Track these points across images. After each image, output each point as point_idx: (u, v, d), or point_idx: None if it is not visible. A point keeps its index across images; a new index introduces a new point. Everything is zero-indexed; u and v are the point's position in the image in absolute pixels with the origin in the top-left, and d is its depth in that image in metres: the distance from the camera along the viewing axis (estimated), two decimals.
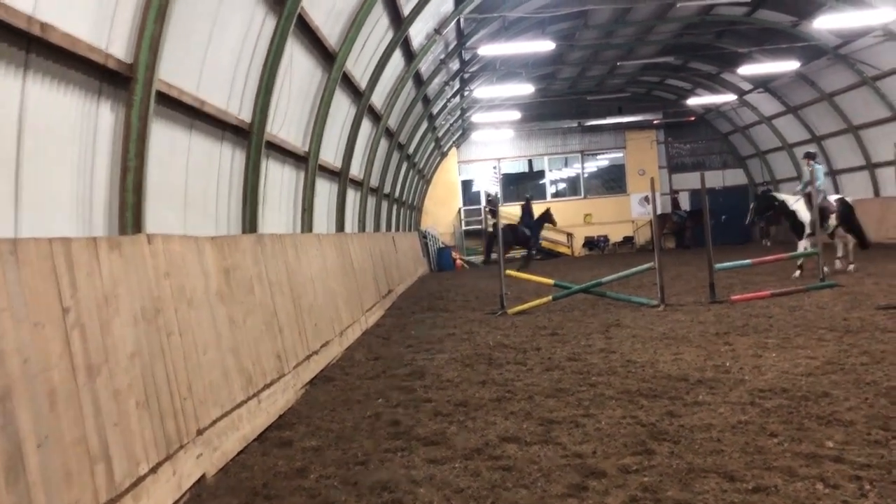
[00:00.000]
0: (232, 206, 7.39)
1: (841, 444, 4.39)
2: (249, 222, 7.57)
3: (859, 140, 24.63)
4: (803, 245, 14.45)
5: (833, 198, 14.98)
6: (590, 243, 32.99)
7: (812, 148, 27.18)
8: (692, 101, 30.79)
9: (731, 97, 28.96)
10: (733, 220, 29.74)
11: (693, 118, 34.02)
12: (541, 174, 35.13)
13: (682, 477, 4.06)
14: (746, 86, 28.06)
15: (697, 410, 5.38)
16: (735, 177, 34.19)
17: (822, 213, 14.55)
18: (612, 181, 35.09)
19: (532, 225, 23.26)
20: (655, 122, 33.88)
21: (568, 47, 23.78)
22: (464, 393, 6.56)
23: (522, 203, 24.16)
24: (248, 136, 7.51)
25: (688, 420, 5.14)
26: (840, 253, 15.02)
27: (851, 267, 14.66)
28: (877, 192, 24.60)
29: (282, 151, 8.94)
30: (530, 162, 34.96)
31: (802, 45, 21.86)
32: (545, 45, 18.46)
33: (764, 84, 27.01)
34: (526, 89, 23.32)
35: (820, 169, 15.15)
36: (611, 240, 33.23)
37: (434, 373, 7.61)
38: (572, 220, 33.24)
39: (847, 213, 14.71)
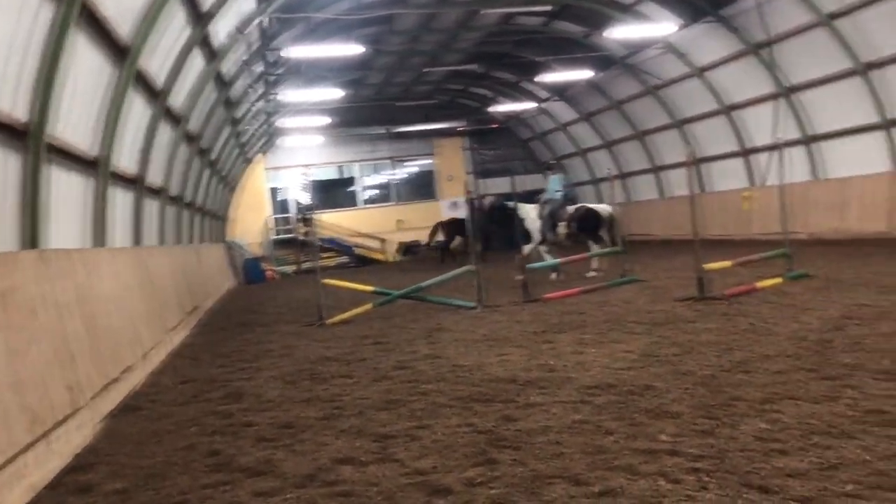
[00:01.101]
0: (7, 218, 6.39)
1: (673, 436, 4.47)
2: (30, 237, 6.59)
3: (645, 145, 26.69)
4: (544, 249, 15.55)
5: (572, 207, 15.83)
6: (408, 249, 33.02)
7: (609, 156, 29.12)
8: (494, 109, 31.91)
9: (530, 105, 30.32)
10: None
11: (496, 125, 35.26)
12: (351, 181, 34.85)
13: (528, 485, 3.92)
14: (544, 94, 29.50)
15: (532, 412, 5.32)
16: (535, 181, 35.79)
17: (552, 220, 15.55)
18: (422, 187, 35.56)
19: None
20: (461, 129, 34.75)
21: (375, 52, 23.67)
22: (288, 413, 6.09)
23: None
24: (25, 138, 6.53)
25: (524, 423, 5.05)
26: (595, 264, 15.12)
27: (592, 273, 14.84)
28: (662, 193, 26.76)
29: (68, 156, 7.92)
30: (341, 168, 34.58)
31: (594, 56, 23.31)
32: (352, 49, 18.22)
33: (560, 92, 28.52)
34: (334, 94, 22.93)
35: (555, 179, 16.28)
36: (422, 244, 33.57)
37: (253, 393, 7.06)
38: (385, 226, 33.31)
39: (591, 219, 15.41)
